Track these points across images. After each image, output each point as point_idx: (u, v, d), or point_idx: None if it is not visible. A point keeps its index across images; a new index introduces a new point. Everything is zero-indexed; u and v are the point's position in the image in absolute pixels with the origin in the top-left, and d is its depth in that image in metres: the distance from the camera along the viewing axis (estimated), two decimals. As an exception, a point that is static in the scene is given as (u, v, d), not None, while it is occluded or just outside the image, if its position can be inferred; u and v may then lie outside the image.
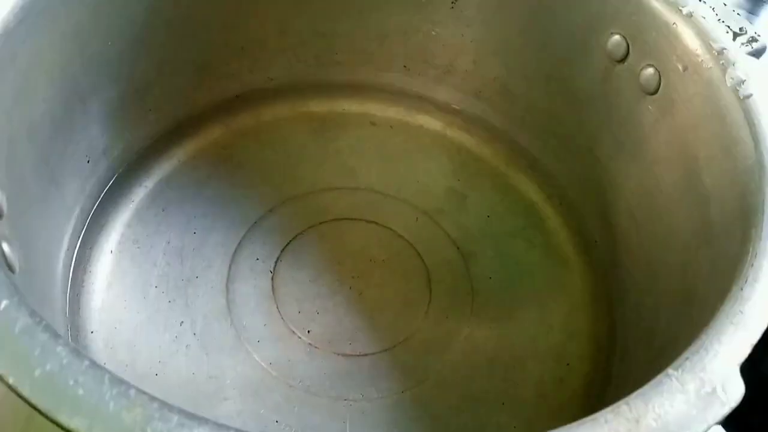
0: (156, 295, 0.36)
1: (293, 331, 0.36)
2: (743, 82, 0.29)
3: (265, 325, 0.36)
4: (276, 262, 0.38)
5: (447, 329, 0.37)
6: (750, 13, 0.31)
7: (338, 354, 0.35)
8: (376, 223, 0.41)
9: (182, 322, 0.36)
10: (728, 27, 0.32)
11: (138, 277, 0.37)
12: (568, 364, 0.36)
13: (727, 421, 0.33)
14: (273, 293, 0.37)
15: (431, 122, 0.46)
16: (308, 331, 0.36)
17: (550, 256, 0.41)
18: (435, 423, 0.34)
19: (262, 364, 0.35)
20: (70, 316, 0.35)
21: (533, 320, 0.38)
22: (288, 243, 0.39)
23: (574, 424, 0.19)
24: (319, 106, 0.45)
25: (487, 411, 0.35)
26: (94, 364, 0.18)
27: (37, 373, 0.18)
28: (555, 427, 0.19)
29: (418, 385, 0.35)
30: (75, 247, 0.37)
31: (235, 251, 0.38)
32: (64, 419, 0.17)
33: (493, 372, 0.36)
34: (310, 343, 0.36)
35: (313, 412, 0.33)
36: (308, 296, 0.37)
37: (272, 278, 0.38)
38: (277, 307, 0.37)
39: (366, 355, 0.36)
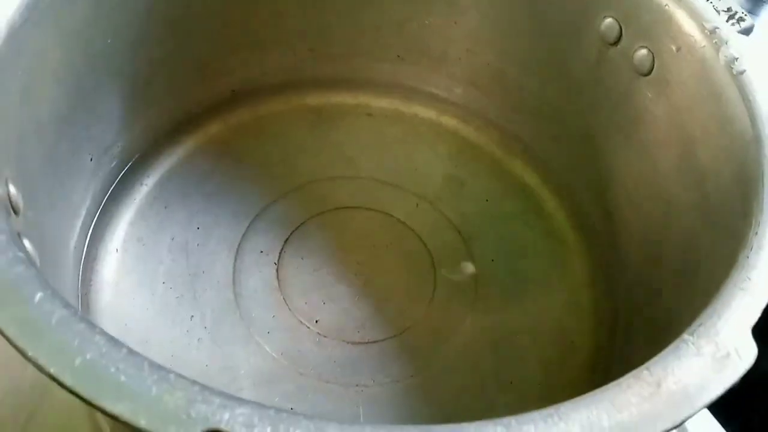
0: (164, 291, 0.37)
1: (301, 321, 0.36)
2: (736, 59, 0.30)
3: (273, 316, 0.36)
4: (280, 254, 0.39)
5: (452, 313, 0.38)
6: (750, 12, 0.32)
7: (347, 342, 0.36)
8: (377, 211, 0.41)
9: (192, 316, 0.36)
10: (715, 8, 0.33)
11: (144, 275, 0.37)
12: (572, 342, 0.37)
13: (727, 418, 0.35)
14: (279, 285, 0.38)
15: (426, 111, 0.46)
16: (316, 321, 0.36)
17: (550, 238, 0.41)
18: (446, 405, 0.35)
19: (273, 354, 0.35)
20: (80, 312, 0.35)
21: (536, 301, 0.39)
22: (291, 234, 0.40)
23: (599, 389, 0.20)
24: (315, 99, 0.46)
25: (496, 391, 0.35)
26: (132, 352, 0.19)
27: (78, 362, 0.18)
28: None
29: (427, 369, 0.36)
30: (82, 247, 0.37)
31: (239, 245, 0.39)
32: (108, 405, 0.17)
33: (499, 353, 0.36)
34: (318, 332, 0.36)
35: (327, 399, 0.34)
36: (314, 286, 0.38)
37: (277, 270, 0.38)
38: (284, 299, 0.37)
39: (375, 342, 0.36)
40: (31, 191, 0.29)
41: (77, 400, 0.18)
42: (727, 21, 0.31)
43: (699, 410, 0.19)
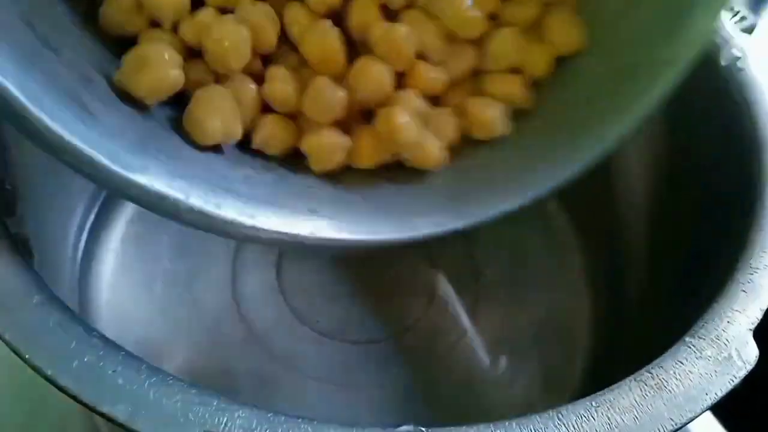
0: (162, 291, 0.37)
1: (301, 322, 0.36)
2: (738, 58, 0.30)
3: (273, 317, 0.36)
4: (280, 253, 0.39)
5: (452, 313, 0.37)
6: (752, 11, 0.32)
7: (347, 342, 0.36)
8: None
9: (190, 317, 0.36)
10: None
11: (143, 274, 0.37)
12: (572, 342, 0.37)
13: (729, 420, 0.34)
14: (279, 285, 0.37)
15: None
16: (316, 321, 0.36)
17: (549, 238, 0.41)
18: (446, 406, 0.35)
19: (273, 355, 0.35)
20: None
21: (536, 301, 0.38)
22: (291, 234, 0.39)
23: (600, 392, 0.19)
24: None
25: (496, 392, 0.35)
26: (130, 354, 0.19)
27: (75, 365, 0.18)
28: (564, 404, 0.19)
29: (427, 370, 0.35)
30: (79, 246, 0.37)
31: (239, 244, 0.39)
32: (105, 408, 0.17)
33: (500, 354, 0.36)
34: (319, 333, 0.36)
35: (326, 400, 0.34)
36: (314, 286, 0.38)
37: (277, 270, 0.38)
38: (284, 299, 0.37)
39: (374, 342, 0.36)
40: (28, 190, 0.29)
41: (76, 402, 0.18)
42: (729, 20, 0.31)
43: (701, 413, 0.19)
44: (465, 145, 0.30)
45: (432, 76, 0.28)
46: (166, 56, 0.24)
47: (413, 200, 0.28)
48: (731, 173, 0.29)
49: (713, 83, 0.30)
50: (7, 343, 0.18)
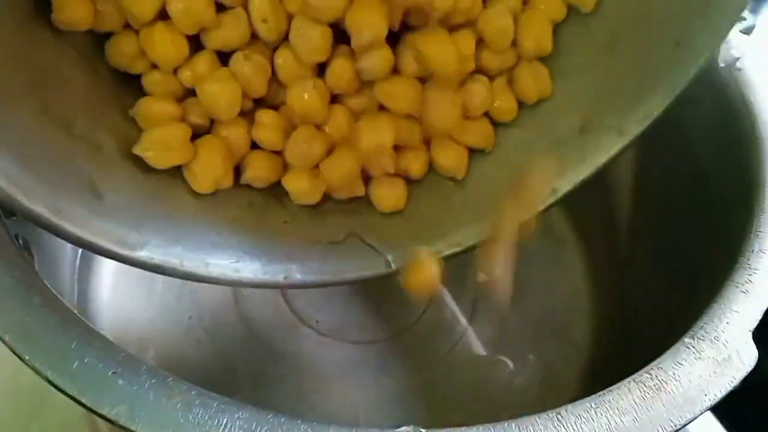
0: (162, 291, 0.37)
1: (302, 322, 0.36)
2: (737, 59, 0.30)
3: (273, 317, 0.36)
4: (280, 254, 0.39)
5: (452, 313, 0.38)
6: (751, 12, 0.32)
7: (347, 342, 0.36)
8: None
9: (191, 316, 0.36)
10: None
11: (143, 274, 0.37)
12: (572, 342, 0.37)
13: (728, 420, 0.34)
14: (279, 285, 0.37)
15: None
16: (316, 321, 0.36)
17: (549, 237, 0.41)
18: (445, 406, 0.35)
19: (273, 355, 0.35)
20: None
21: (536, 302, 0.38)
22: (290, 234, 0.40)
23: (600, 393, 0.19)
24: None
25: (496, 392, 0.35)
26: (130, 355, 0.19)
27: (75, 365, 0.18)
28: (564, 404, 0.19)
29: (426, 370, 0.35)
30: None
31: (239, 245, 0.39)
32: (105, 409, 0.17)
33: (499, 353, 0.36)
34: (319, 333, 0.36)
35: (326, 400, 0.34)
36: (314, 286, 0.38)
37: (277, 270, 0.38)
38: (285, 299, 0.37)
39: (374, 342, 0.36)
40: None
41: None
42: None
43: (700, 414, 0.19)
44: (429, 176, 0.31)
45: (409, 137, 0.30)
46: (186, 138, 0.26)
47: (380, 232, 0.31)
48: (731, 173, 0.29)
49: (713, 83, 0.30)
50: (7, 345, 0.18)
